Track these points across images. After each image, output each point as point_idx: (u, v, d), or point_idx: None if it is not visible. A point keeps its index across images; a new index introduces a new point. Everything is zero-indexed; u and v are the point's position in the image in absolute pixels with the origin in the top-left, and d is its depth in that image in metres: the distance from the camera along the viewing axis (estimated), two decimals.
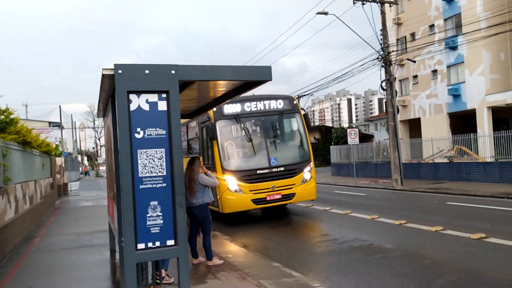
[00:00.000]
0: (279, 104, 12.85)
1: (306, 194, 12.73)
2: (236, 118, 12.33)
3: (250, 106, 12.54)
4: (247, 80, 5.77)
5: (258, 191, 11.94)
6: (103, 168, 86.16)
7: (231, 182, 11.85)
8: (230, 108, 12.35)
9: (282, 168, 12.28)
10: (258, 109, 12.63)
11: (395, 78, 23.90)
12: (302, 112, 13.29)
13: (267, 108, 12.72)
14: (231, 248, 9.23)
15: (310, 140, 14.86)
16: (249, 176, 11.96)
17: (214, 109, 11.31)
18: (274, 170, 12.15)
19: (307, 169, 12.73)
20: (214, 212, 12.00)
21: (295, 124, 13.33)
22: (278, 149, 12.62)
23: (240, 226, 12.42)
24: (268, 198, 12.02)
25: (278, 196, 12.16)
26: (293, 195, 12.40)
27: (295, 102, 13.25)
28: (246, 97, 12.53)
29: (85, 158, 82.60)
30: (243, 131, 12.33)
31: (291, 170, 12.43)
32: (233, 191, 11.84)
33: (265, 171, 12.08)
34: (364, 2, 21.88)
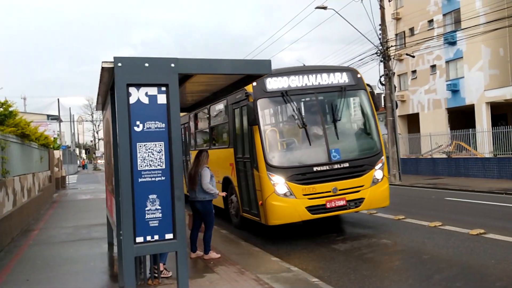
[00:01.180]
0: (339, 78, 9.79)
1: (377, 200, 9.55)
2: (284, 95, 9.24)
3: (301, 80, 9.50)
4: (247, 73, 5.76)
5: (315, 195, 8.90)
6: (101, 162, 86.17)
7: (279, 183, 8.79)
8: (275, 83, 9.31)
9: (347, 164, 9.20)
10: (312, 84, 9.54)
11: (394, 73, 23.88)
12: (369, 89, 10.17)
13: (324, 82, 9.64)
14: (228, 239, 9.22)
15: None
16: (302, 174, 8.94)
17: (254, 83, 8.90)
18: (336, 166, 9.11)
19: (378, 165, 9.57)
20: (252, 222, 9.94)
21: (361, 104, 10.19)
22: (340, 138, 9.50)
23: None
24: (328, 205, 8.96)
25: (342, 203, 9.07)
26: (361, 200, 9.29)
27: (359, 76, 10.09)
28: (296, 68, 9.82)
29: (83, 151, 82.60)
30: (294, 113, 9.32)
31: (359, 167, 9.36)
32: (282, 195, 8.75)
33: (325, 168, 9.05)
34: None
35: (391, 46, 23.70)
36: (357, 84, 9.94)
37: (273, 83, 9.29)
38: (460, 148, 23.71)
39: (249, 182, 9.54)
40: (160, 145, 4.97)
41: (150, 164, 4.93)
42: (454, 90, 31.12)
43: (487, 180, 19.52)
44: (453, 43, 30.71)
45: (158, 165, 4.96)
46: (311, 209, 8.89)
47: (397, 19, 35.23)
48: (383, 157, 9.76)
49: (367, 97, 10.02)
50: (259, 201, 9.04)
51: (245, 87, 8.56)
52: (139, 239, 4.88)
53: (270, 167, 8.85)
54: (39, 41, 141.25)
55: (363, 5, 22.03)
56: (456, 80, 31.12)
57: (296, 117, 9.31)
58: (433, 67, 33.13)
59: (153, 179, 4.94)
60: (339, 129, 9.56)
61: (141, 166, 4.90)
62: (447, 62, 31.91)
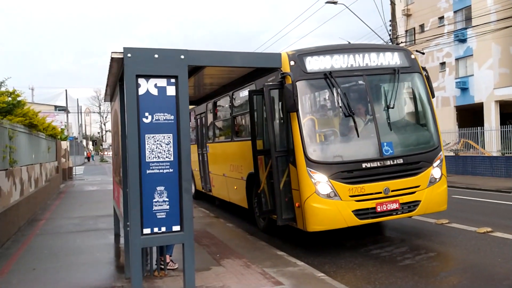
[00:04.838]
0: (391, 59, 8.31)
1: (434, 202, 8.14)
2: (328, 78, 7.73)
3: (347, 60, 8.00)
4: (257, 66, 5.75)
5: (363, 196, 7.51)
6: (108, 153, 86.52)
7: (322, 181, 7.35)
8: (316, 63, 7.80)
9: (401, 160, 7.80)
10: (360, 65, 8.07)
11: None
12: (424, 73, 8.64)
13: (373, 64, 8.17)
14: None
15: None
16: (349, 172, 7.51)
17: (292, 62, 7.60)
18: (388, 163, 7.71)
19: (436, 162, 8.14)
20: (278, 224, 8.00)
21: (416, 89, 8.68)
22: (393, 129, 8.15)
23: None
24: (379, 209, 7.56)
25: (395, 206, 7.68)
26: (416, 204, 7.90)
27: (413, 57, 8.59)
28: (341, 46, 8.40)
29: (90, 143, 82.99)
30: (339, 99, 7.90)
31: (414, 164, 7.92)
32: (324, 196, 7.32)
33: (375, 164, 7.63)
34: None
35: (401, 42, 23.55)
36: (411, 67, 8.48)
37: (314, 63, 7.79)
38: (468, 146, 23.56)
39: (283, 180, 7.90)
40: (169, 137, 4.97)
41: (158, 156, 4.93)
42: (463, 88, 30.92)
43: (495, 179, 19.41)
44: (463, 41, 30.48)
45: (167, 157, 4.96)
46: (358, 213, 7.50)
47: (408, 16, 35.00)
48: (442, 153, 8.36)
49: (422, 81, 8.56)
50: (296, 203, 7.62)
51: (281, 68, 7.28)
52: (146, 231, 4.90)
53: (311, 162, 7.38)
54: (47, 33, 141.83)
55: (373, 1, 21.85)
56: (465, 78, 30.91)
57: (342, 103, 7.84)
58: (443, 64, 32.91)
59: (161, 171, 4.95)
60: (392, 119, 8.18)
61: (149, 157, 4.90)
62: (457, 59, 31.69)
